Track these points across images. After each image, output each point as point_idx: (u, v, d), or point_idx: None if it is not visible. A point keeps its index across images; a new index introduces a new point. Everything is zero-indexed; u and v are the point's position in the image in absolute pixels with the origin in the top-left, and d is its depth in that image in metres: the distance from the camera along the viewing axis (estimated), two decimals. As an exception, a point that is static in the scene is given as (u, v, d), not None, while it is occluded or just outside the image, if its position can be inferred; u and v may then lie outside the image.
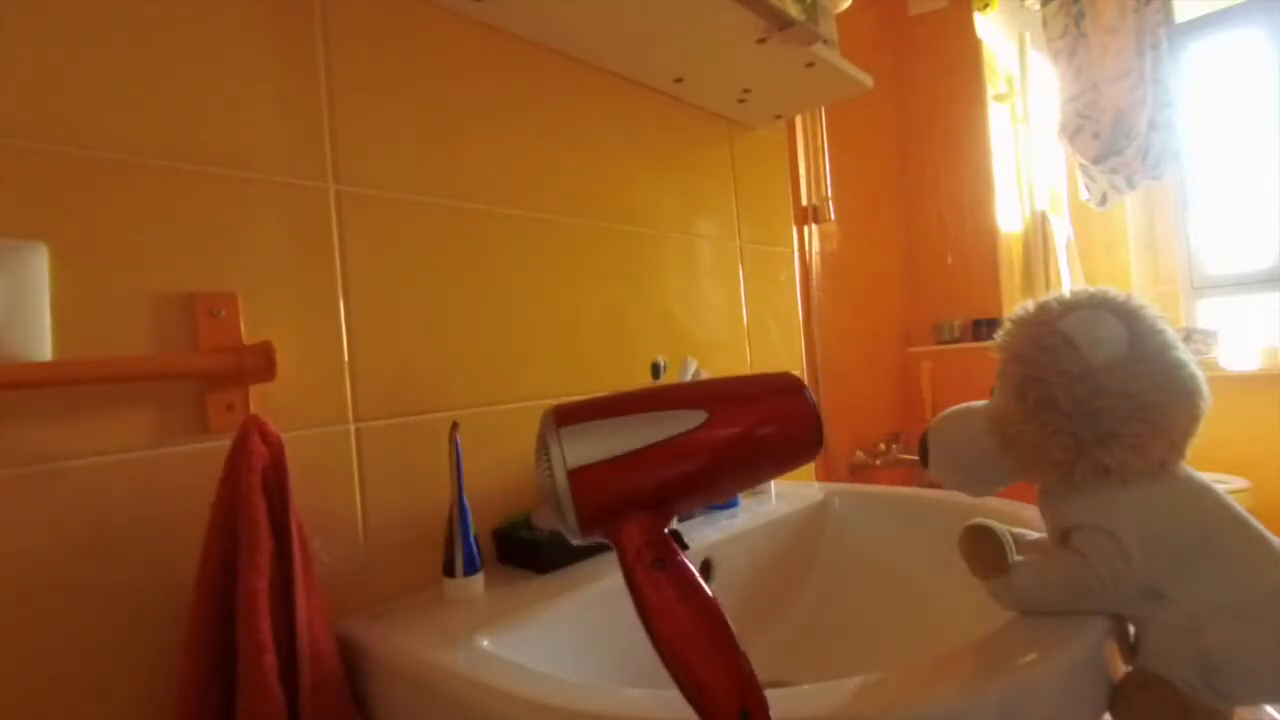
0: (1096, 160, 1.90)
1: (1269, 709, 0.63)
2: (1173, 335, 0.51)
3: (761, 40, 0.87)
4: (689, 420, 0.40)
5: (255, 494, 0.50)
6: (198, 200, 0.56)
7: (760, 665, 0.81)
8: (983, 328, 1.76)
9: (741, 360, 1.14)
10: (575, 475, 0.38)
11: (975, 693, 0.40)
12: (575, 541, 0.41)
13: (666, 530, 0.40)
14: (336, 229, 0.65)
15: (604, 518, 0.39)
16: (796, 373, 1.31)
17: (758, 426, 0.41)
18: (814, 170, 1.45)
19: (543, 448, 0.39)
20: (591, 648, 0.63)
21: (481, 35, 0.78)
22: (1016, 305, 0.57)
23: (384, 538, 0.66)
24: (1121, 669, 0.49)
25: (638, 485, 0.39)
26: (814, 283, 1.43)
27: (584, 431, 0.39)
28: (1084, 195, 2.02)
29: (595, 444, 0.39)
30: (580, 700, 0.42)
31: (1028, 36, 1.99)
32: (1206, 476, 0.50)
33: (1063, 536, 0.52)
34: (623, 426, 0.39)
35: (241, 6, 0.60)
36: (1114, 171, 1.90)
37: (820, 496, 0.95)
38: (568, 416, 0.39)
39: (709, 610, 0.38)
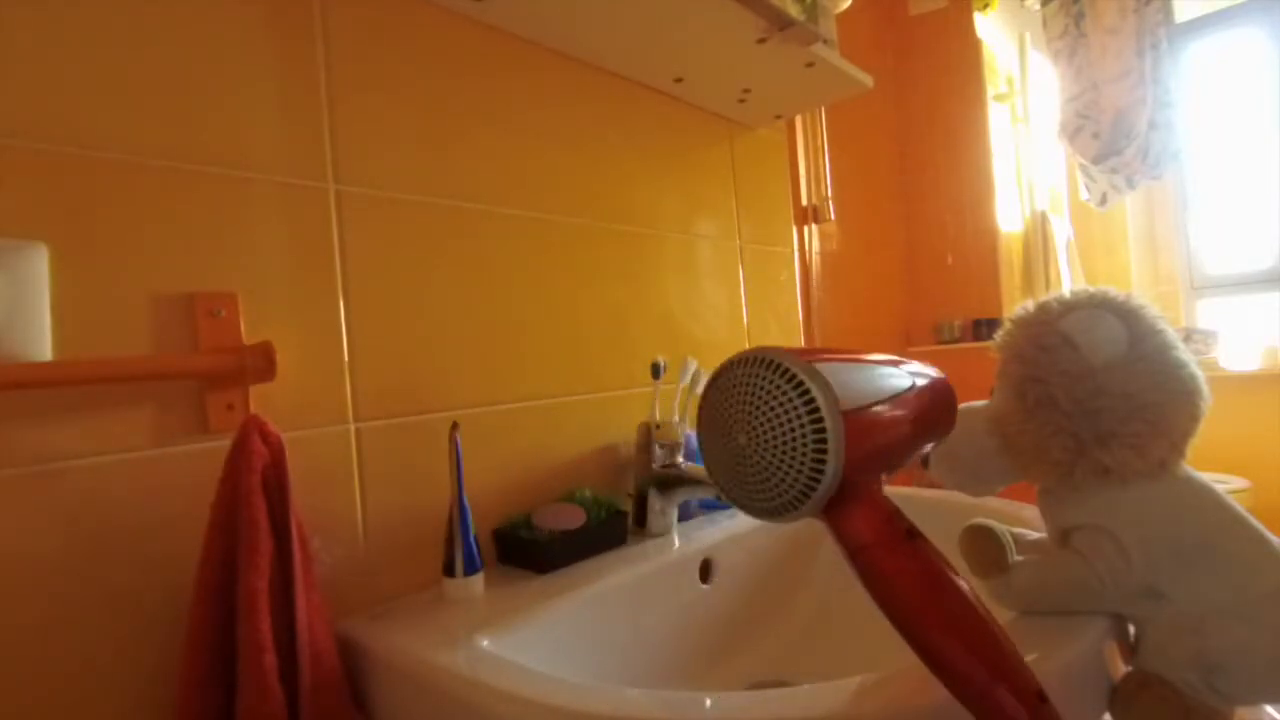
0: (1096, 160, 1.90)
1: (1269, 709, 0.63)
2: (1173, 335, 0.51)
3: (761, 40, 0.87)
4: (909, 378, 0.37)
5: (255, 494, 0.50)
6: (198, 200, 0.56)
7: (760, 665, 0.81)
8: (983, 328, 1.76)
9: (741, 360, 1.14)
10: (851, 418, 0.31)
11: (975, 693, 0.40)
12: (787, 519, 0.33)
13: None
14: (336, 229, 0.65)
15: (857, 475, 0.32)
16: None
17: (948, 395, 0.41)
18: (814, 170, 1.45)
19: (787, 385, 0.31)
20: (591, 648, 0.62)
21: (481, 35, 0.78)
22: (1016, 305, 0.57)
23: (384, 538, 0.66)
24: (1121, 669, 0.49)
25: (889, 439, 0.34)
26: (814, 283, 1.43)
27: (840, 371, 0.32)
28: (1084, 195, 2.02)
29: (856, 386, 0.32)
30: (580, 700, 0.42)
31: (1028, 36, 1.99)
32: (1206, 476, 0.50)
33: (1063, 536, 0.52)
34: (869, 371, 0.34)
35: (241, 6, 0.60)
36: (1114, 171, 1.90)
37: (820, 496, 0.95)
38: (807, 354, 0.32)
39: (965, 589, 0.33)
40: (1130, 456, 0.48)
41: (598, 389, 0.88)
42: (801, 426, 0.31)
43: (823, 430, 0.31)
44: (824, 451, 0.31)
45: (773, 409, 0.32)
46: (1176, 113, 1.83)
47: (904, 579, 0.32)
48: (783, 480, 0.32)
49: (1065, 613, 0.49)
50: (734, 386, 0.34)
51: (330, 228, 0.64)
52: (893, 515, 0.33)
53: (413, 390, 0.69)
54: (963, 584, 0.32)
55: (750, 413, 0.33)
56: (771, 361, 0.32)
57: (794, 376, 0.31)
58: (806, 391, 0.31)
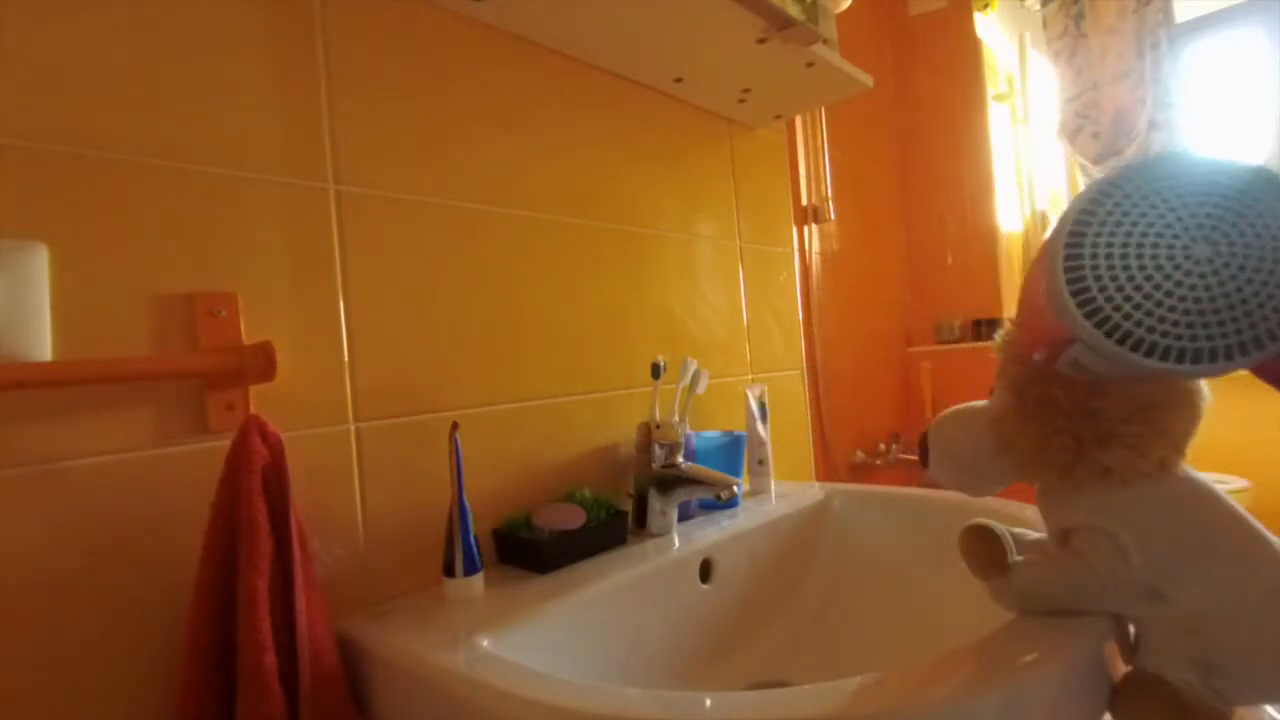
0: (1096, 160, 1.90)
1: (1269, 709, 0.63)
2: None
3: (761, 40, 0.87)
4: None
5: (255, 494, 0.50)
6: (198, 200, 0.56)
7: (760, 665, 0.81)
8: (983, 328, 1.76)
9: (742, 360, 1.14)
10: None
11: (975, 693, 0.40)
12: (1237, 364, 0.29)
13: None
14: (336, 229, 0.65)
15: None
16: (795, 373, 1.31)
17: None
18: (814, 170, 1.45)
19: None
20: (591, 648, 0.63)
21: (481, 35, 0.78)
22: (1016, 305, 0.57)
23: (384, 538, 0.66)
24: (1121, 669, 0.49)
25: None
26: (814, 283, 1.43)
27: None
28: (1084, 195, 2.02)
29: None
30: (580, 700, 0.42)
31: (1028, 36, 1.99)
32: (1206, 476, 0.50)
33: (1063, 537, 0.52)
34: None
35: (242, 6, 0.60)
36: (1114, 171, 1.90)
37: (820, 496, 0.95)
38: None
39: None
40: (1130, 456, 0.48)
41: (598, 389, 0.88)
42: None
43: None
44: None
45: None
46: (1176, 113, 1.83)
47: None
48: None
49: (1065, 613, 0.49)
50: None
51: (330, 228, 0.64)
52: None
53: (413, 390, 0.69)
54: None
55: None
56: None
57: None
58: None
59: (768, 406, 1.06)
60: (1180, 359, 0.31)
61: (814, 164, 1.45)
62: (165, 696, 0.52)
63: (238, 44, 0.59)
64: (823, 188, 1.45)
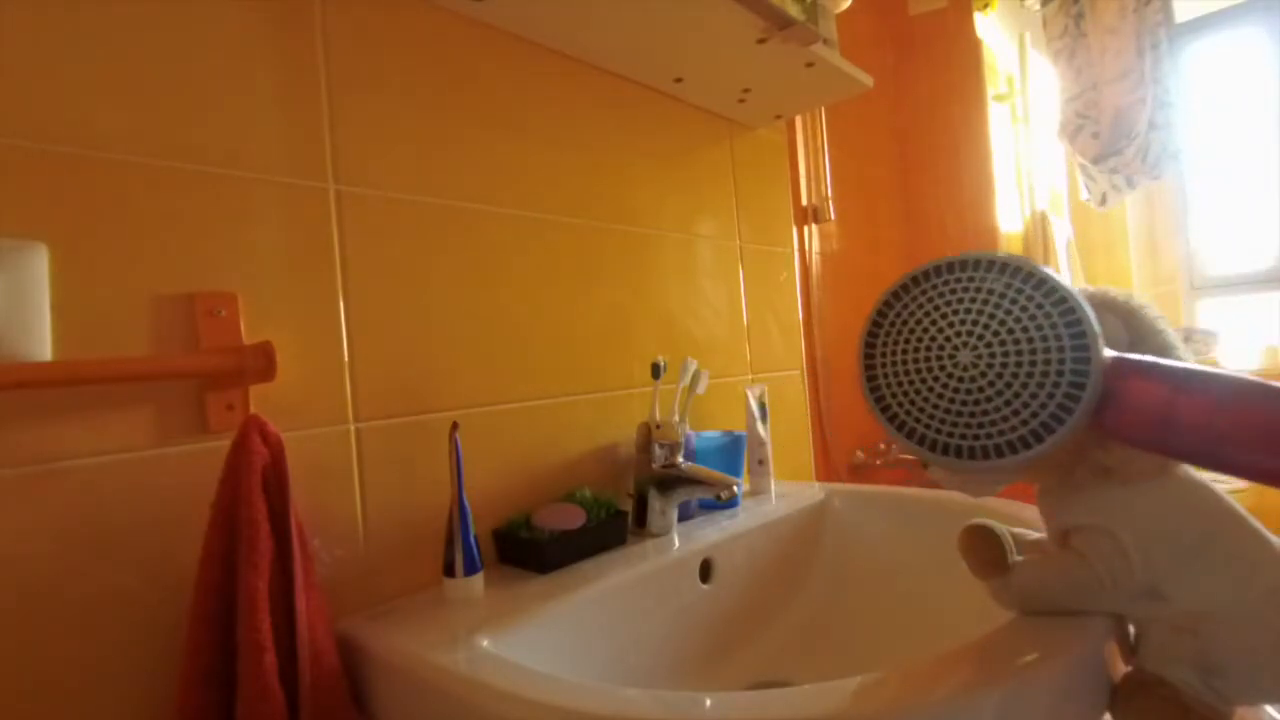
0: (1096, 160, 1.90)
1: (1269, 709, 0.63)
2: (1173, 335, 0.51)
3: (761, 40, 0.87)
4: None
5: (255, 494, 0.50)
6: (198, 200, 0.56)
7: (760, 665, 0.81)
8: (983, 328, 1.75)
9: (741, 360, 1.14)
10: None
11: (975, 693, 0.40)
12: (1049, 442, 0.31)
13: None
14: (336, 229, 0.65)
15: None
16: (795, 373, 1.31)
17: None
18: (814, 170, 1.45)
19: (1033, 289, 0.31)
20: (591, 648, 0.63)
21: (481, 35, 0.78)
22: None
23: (384, 538, 0.66)
24: (1121, 669, 0.49)
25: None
26: (814, 283, 1.43)
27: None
28: (1084, 195, 2.02)
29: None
30: (580, 700, 0.42)
31: (1028, 36, 1.99)
32: (1206, 476, 0.50)
33: (1063, 537, 0.52)
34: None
35: (242, 6, 0.60)
36: (1114, 171, 1.90)
37: (820, 496, 0.95)
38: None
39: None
40: (1131, 456, 0.48)
41: (598, 389, 0.88)
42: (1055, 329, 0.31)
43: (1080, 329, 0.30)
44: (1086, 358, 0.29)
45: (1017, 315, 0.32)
46: (1176, 113, 1.83)
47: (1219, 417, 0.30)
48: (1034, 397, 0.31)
49: (1065, 613, 0.49)
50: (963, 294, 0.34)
51: (330, 228, 0.64)
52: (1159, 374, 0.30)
53: (413, 390, 0.69)
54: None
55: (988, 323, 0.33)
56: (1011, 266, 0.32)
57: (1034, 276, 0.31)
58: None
59: (768, 406, 1.06)
60: (960, 454, 0.36)
61: (814, 164, 1.45)
62: (165, 696, 0.52)
63: (238, 44, 0.59)
64: (823, 188, 1.45)
